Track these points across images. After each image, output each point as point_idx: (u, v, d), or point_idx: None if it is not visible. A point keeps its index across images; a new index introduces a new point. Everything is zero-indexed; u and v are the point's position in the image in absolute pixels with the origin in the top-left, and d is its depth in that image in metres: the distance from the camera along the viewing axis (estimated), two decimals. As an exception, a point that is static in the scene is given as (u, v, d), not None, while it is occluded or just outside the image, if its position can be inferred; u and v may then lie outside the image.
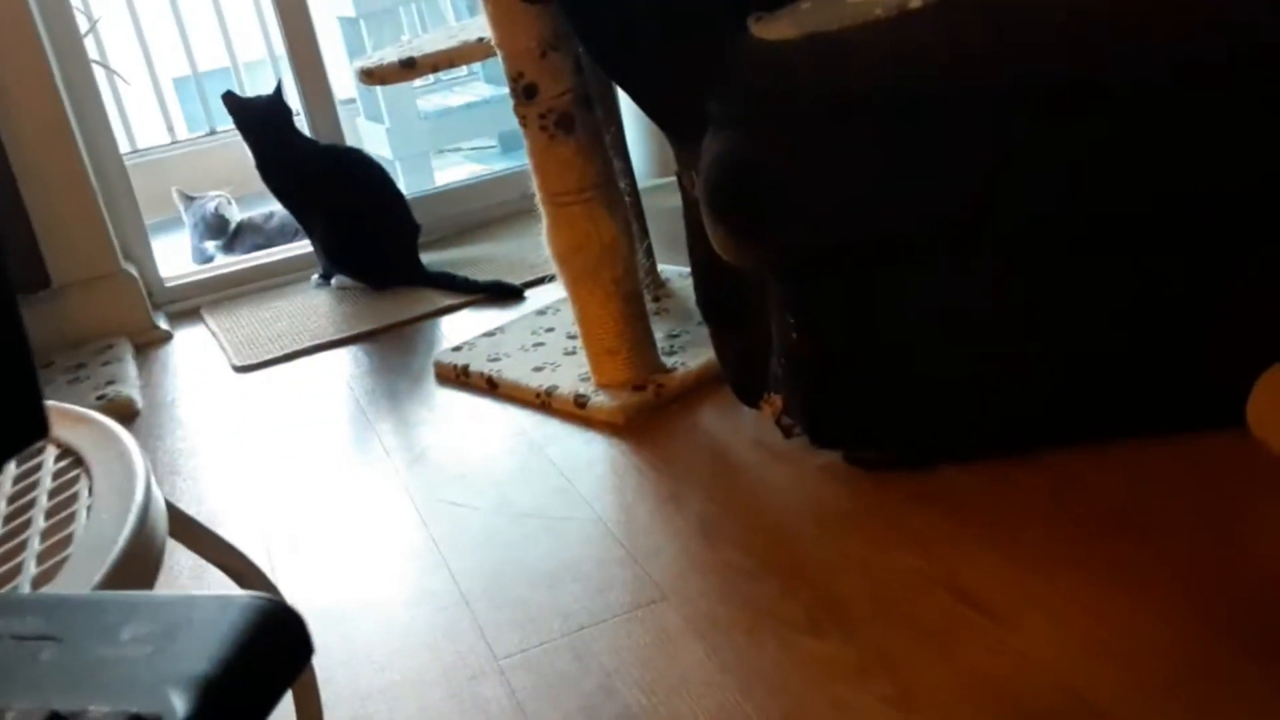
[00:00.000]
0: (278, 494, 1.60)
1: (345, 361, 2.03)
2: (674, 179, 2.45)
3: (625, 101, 2.02)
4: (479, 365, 1.81)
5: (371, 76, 1.80)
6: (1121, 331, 1.23)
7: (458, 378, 1.83)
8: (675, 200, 2.28)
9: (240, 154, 2.38)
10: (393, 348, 2.06)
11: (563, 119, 1.55)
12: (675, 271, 2.05)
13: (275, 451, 1.73)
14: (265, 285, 2.44)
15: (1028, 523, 1.19)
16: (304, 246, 2.49)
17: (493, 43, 1.55)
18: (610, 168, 1.62)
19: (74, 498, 0.48)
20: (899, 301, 1.26)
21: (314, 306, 2.28)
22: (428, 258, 2.34)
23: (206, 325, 2.30)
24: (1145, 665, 0.97)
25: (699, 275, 1.46)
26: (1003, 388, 1.28)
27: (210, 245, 2.81)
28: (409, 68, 1.77)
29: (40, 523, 0.47)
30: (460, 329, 2.06)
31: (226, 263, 2.62)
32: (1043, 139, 1.14)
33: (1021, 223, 1.20)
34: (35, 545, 0.46)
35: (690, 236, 1.42)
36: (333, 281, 2.35)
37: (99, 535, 0.45)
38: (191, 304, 2.41)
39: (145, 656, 0.32)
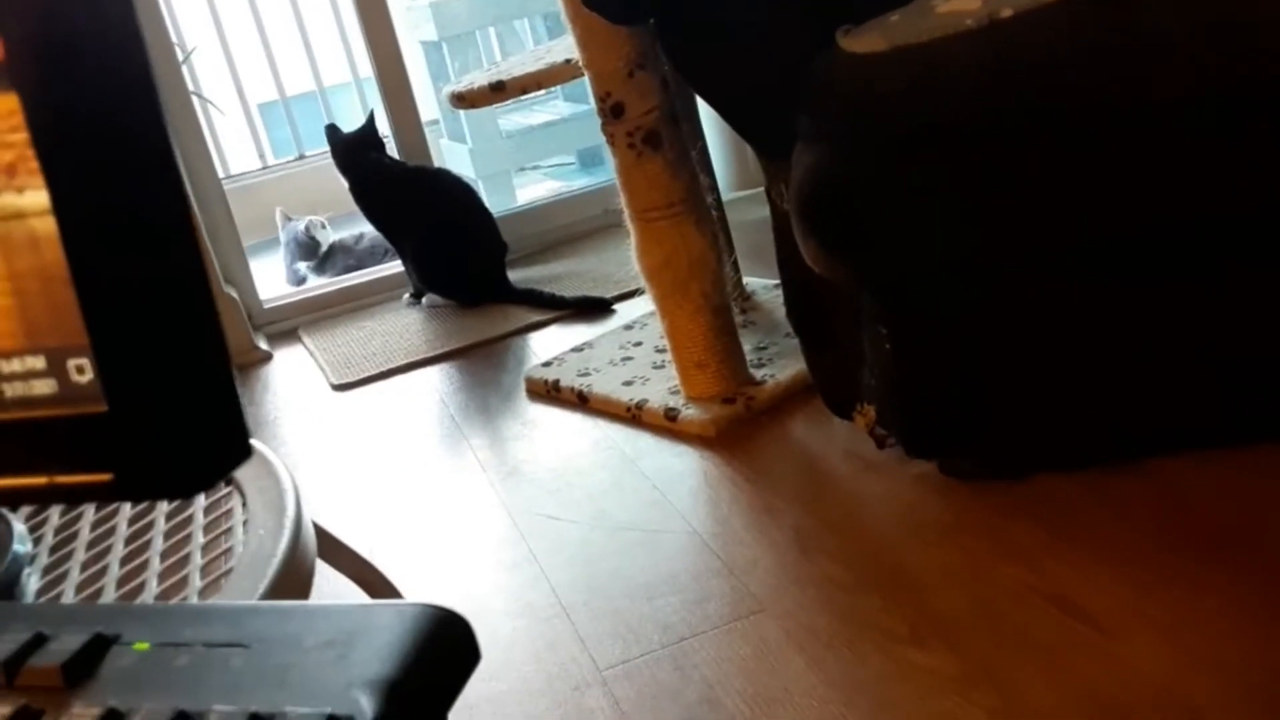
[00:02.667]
0: (379, 508, 1.64)
1: (438, 378, 2.08)
2: (756, 191, 2.47)
3: (706, 115, 2.04)
4: (569, 380, 1.83)
5: (463, 100, 1.84)
6: (1225, 340, 1.21)
7: (549, 393, 1.85)
8: (758, 212, 2.30)
9: (329, 177, 2.45)
10: (484, 364, 2.10)
11: (650, 136, 1.57)
12: (760, 284, 2.06)
13: (375, 467, 1.78)
14: (359, 305, 2.51)
15: (1133, 534, 1.18)
16: (394, 267, 2.56)
17: (580, 64, 1.58)
18: (697, 183, 1.63)
19: (229, 514, 0.51)
20: (993, 310, 1.25)
21: (406, 325, 2.33)
22: (514, 274, 2.38)
23: (304, 345, 2.36)
24: (1256, 681, 0.95)
25: (789, 288, 1.47)
26: (1103, 396, 1.26)
27: (303, 266, 2.89)
28: (499, 91, 1.81)
29: (199, 538, 0.50)
30: (549, 344, 2.09)
31: (322, 284, 2.69)
32: (1141, 150, 1.13)
33: (1121, 235, 1.19)
34: (198, 559, 0.49)
35: (780, 250, 1.43)
36: (423, 300, 2.40)
37: (258, 550, 0.47)
38: (289, 325, 2.48)
39: (330, 661, 0.35)
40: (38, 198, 0.28)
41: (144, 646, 0.37)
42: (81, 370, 0.29)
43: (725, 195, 2.21)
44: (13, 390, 0.30)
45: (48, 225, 0.28)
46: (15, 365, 0.30)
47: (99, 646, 0.36)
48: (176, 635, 0.37)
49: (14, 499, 0.30)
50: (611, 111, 1.57)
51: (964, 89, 1.14)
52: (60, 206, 0.27)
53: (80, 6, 0.26)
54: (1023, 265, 1.23)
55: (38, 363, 0.29)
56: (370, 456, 1.82)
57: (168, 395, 0.29)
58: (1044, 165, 1.15)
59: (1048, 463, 1.31)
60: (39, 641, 0.37)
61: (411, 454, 1.80)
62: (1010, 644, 1.06)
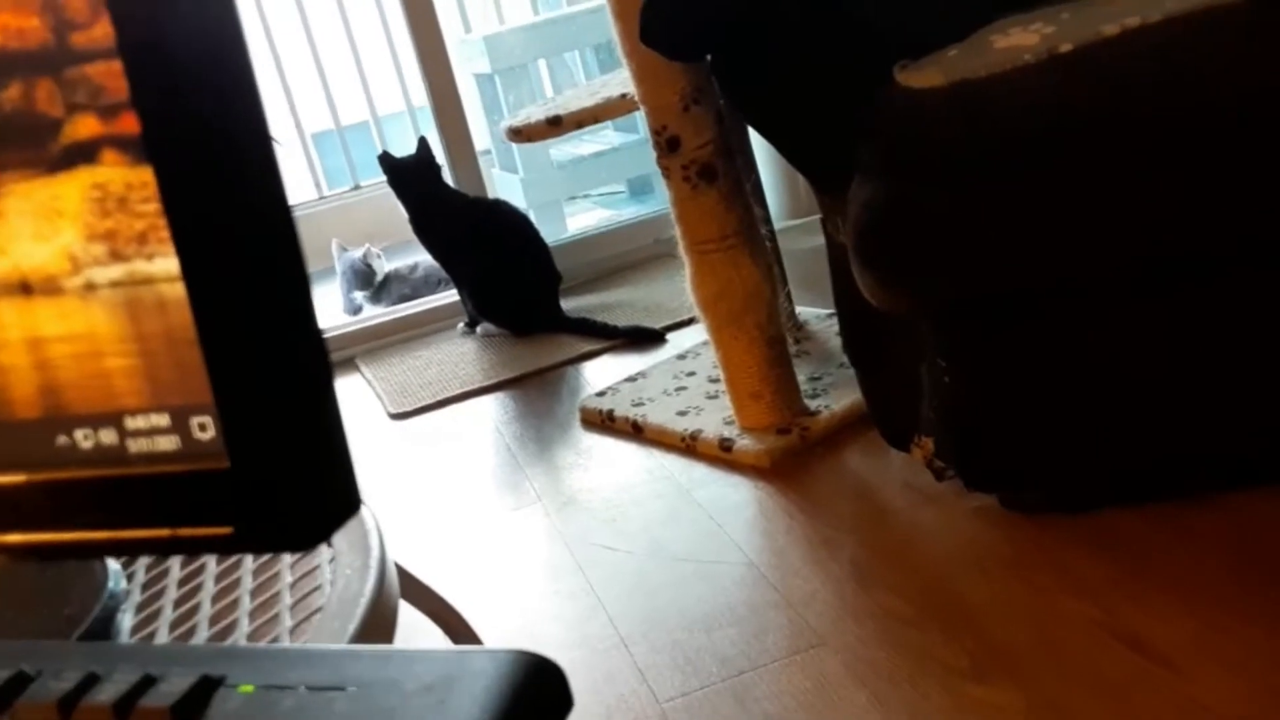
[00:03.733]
0: (437, 537, 1.66)
1: (493, 407, 2.10)
2: (807, 220, 2.47)
3: (756, 145, 2.05)
4: (624, 410, 1.84)
5: (520, 135, 1.87)
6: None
7: (603, 422, 1.87)
8: (809, 242, 2.30)
9: (384, 206, 2.49)
10: (538, 393, 2.11)
11: (705, 169, 1.59)
12: (813, 314, 2.06)
13: (433, 495, 1.80)
14: (415, 334, 2.54)
15: (1201, 568, 1.16)
16: (449, 296, 2.59)
17: (636, 98, 1.60)
18: (752, 214, 1.64)
19: (315, 552, 0.52)
20: (1053, 341, 1.25)
21: (461, 354, 2.36)
22: (566, 303, 2.40)
23: (361, 374, 2.40)
24: (1336, 719, 0.94)
25: (845, 320, 1.47)
26: (1168, 427, 1.25)
27: (359, 295, 2.93)
28: (555, 125, 1.84)
29: (288, 576, 0.52)
30: (602, 374, 2.10)
31: (378, 313, 2.73)
32: (1202, 177, 1.12)
33: (1184, 263, 1.18)
34: (287, 599, 0.50)
35: (835, 282, 1.44)
36: (478, 329, 2.43)
37: (345, 590, 0.48)
38: (347, 354, 2.52)
39: (430, 706, 0.35)
40: (167, 264, 0.29)
41: (249, 689, 0.38)
42: (204, 428, 0.30)
43: (776, 225, 2.22)
44: (137, 446, 0.31)
45: (176, 290, 0.29)
46: (140, 422, 0.31)
47: (206, 688, 0.38)
48: (280, 678, 0.38)
49: (137, 549, 0.32)
50: (667, 145, 1.58)
51: (1023, 124, 1.14)
52: (190, 273, 0.29)
53: (214, 82, 0.28)
54: (1084, 295, 1.22)
55: (162, 420, 0.31)
56: (428, 485, 1.84)
57: (287, 452, 0.30)
58: (1104, 197, 1.15)
59: (1112, 496, 1.29)
60: (148, 683, 0.38)
61: (468, 483, 1.82)
62: (1076, 680, 1.05)
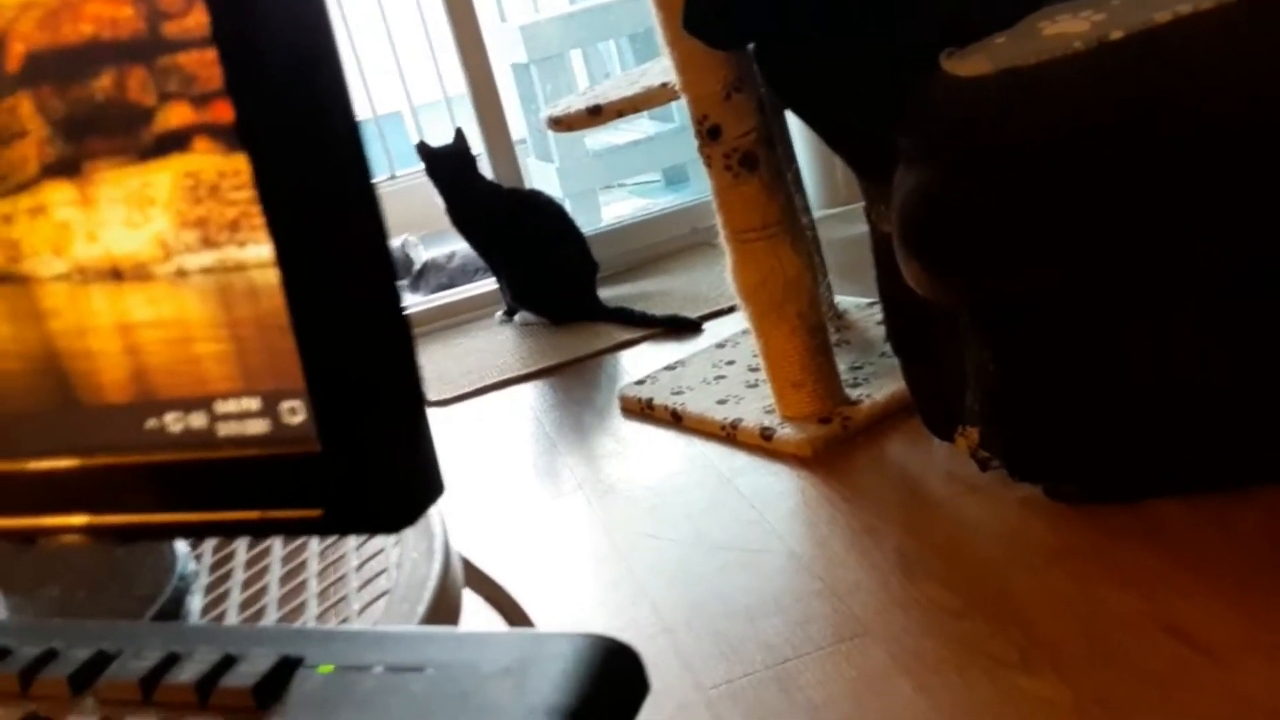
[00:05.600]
0: (480, 525, 1.67)
1: (532, 395, 2.10)
2: (845, 209, 2.46)
3: (795, 133, 2.04)
4: (663, 398, 1.84)
5: (560, 124, 1.87)
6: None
7: (642, 411, 1.87)
8: (848, 230, 2.29)
9: (420, 196, 2.50)
10: (577, 381, 2.12)
11: (746, 158, 1.58)
12: (852, 302, 2.05)
13: (474, 483, 1.81)
14: (453, 323, 2.56)
15: (1247, 560, 1.15)
16: (486, 285, 2.60)
17: (677, 87, 1.60)
18: (792, 203, 1.64)
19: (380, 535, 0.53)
20: (1099, 331, 1.24)
21: (500, 342, 2.37)
22: (604, 292, 2.41)
23: (399, 362, 2.41)
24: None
25: (889, 309, 1.46)
26: (1213, 419, 1.24)
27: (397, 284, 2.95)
28: (595, 114, 1.84)
29: (353, 560, 0.52)
30: (641, 362, 2.10)
31: (417, 302, 2.75)
32: (1254, 169, 1.11)
33: (1232, 254, 1.17)
34: (353, 581, 0.51)
35: (879, 271, 1.43)
36: (516, 317, 2.44)
37: (412, 573, 0.49)
38: (384, 342, 2.53)
39: (508, 689, 0.36)
40: (259, 251, 0.30)
41: (328, 669, 0.38)
42: (294, 412, 0.31)
43: (814, 213, 2.21)
44: (227, 430, 0.32)
45: (268, 276, 0.30)
46: (230, 406, 0.32)
47: (286, 668, 0.38)
48: (358, 658, 0.38)
49: (227, 531, 0.32)
50: (709, 134, 1.58)
51: (1074, 112, 1.13)
52: (284, 259, 0.29)
53: (305, 70, 0.28)
54: (1129, 285, 1.21)
55: (252, 404, 0.31)
56: (469, 472, 1.85)
57: (377, 435, 0.30)
58: (1154, 186, 1.14)
59: (1157, 487, 1.28)
60: (228, 663, 0.38)
61: (509, 470, 1.83)
62: (1123, 672, 1.05)
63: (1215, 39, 1.09)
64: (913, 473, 1.51)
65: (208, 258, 0.30)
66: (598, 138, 3.50)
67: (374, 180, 0.30)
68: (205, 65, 0.28)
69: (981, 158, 1.19)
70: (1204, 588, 1.12)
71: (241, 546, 0.56)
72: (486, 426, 2.02)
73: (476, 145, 2.51)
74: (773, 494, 1.53)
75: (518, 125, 3.36)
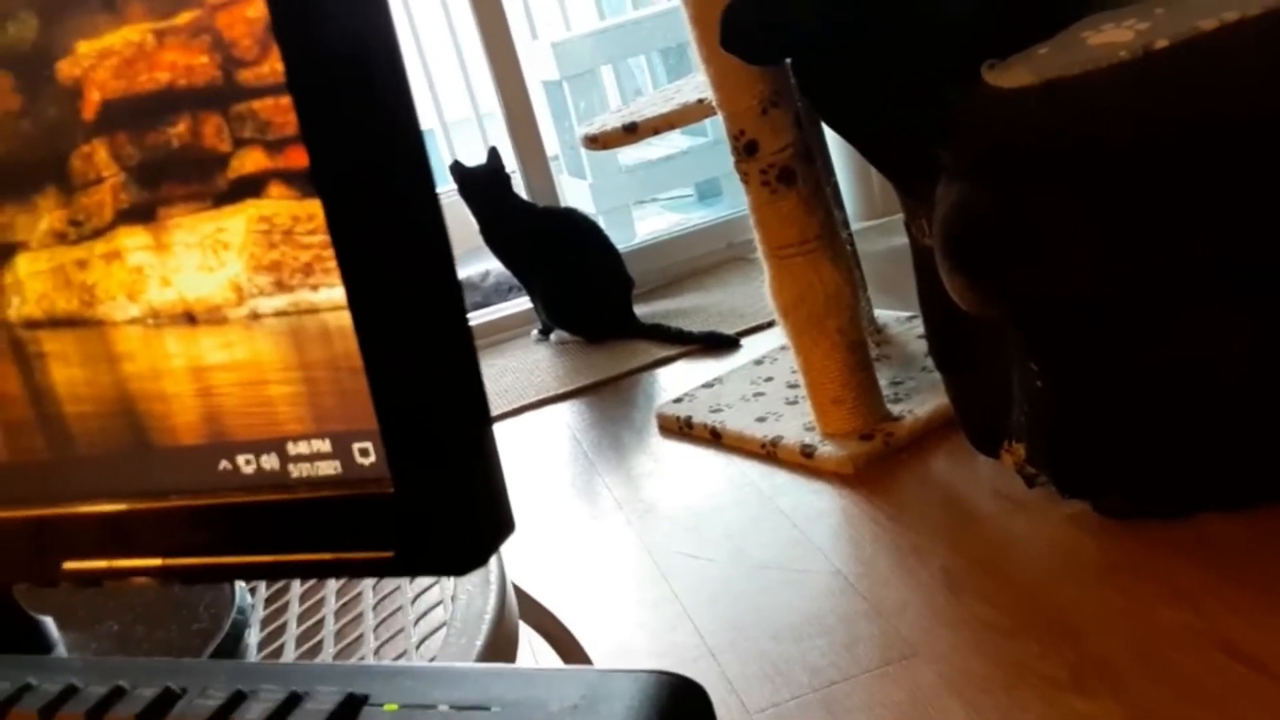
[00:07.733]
0: (518, 546, 1.67)
1: (569, 414, 2.10)
2: (883, 221, 2.45)
3: (832, 146, 2.04)
4: (701, 416, 1.84)
5: (595, 142, 1.88)
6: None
7: (681, 429, 1.86)
8: (886, 243, 2.28)
9: (455, 215, 2.51)
10: (614, 400, 2.12)
11: (784, 173, 1.58)
12: (892, 316, 2.04)
13: (513, 505, 1.81)
14: (488, 342, 2.56)
15: (1306, 577, 1.13)
16: (520, 304, 2.61)
17: (714, 103, 1.60)
18: (831, 218, 1.63)
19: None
20: (1150, 345, 1.22)
21: (535, 361, 2.37)
22: (639, 309, 2.41)
23: (437, 381, 2.42)
24: None
25: (931, 323, 1.45)
26: (1264, 432, 1.22)
27: (432, 304, 2.96)
28: (631, 132, 1.84)
29: (408, 592, 0.52)
30: (678, 380, 2.10)
31: (450, 320, 2.75)
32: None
33: (1285, 261, 1.15)
34: (409, 614, 0.51)
35: (920, 285, 1.42)
36: (551, 336, 2.44)
37: (468, 607, 0.49)
38: (421, 361, 2.54)
39: (578, 727, 0.35)
40: (332, 294, 0.30)
41: (394, 708, 0.38)
42: (365, 453, 0.31)
43: (853, 226, 2.20)
44: (299, 471, 0.32)
45: (340, 319, 0.30)
46: (302, 448, 0.32)
47: (352, 707, 0.38)
48: (423, 696, 0.38)
49: (299, 573, 0.32)
50: (745, 149, 1.58)
51: (1119, 123, 1.12)
52: (357, 303, 0.29)
53: (379, 118, 0.28)
54: (1177, 296, 1.20)
55: (323, 446, 0.31)
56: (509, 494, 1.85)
57: (448, 477, 0.30)
58: (1202, 199, 1.12)
59: (1207, 501, 1.26)
60: (294, 701, 0.38)
61: (548, 491, 1.83)
62: (1176, 690, 1.03)
63: (1263, 46, 1.08)
64: (957, 489, 1.49)
65: (281, 301, 0.30)
66: (630, 153, 3.50)
67: (445, 223, 0.30)
68: (280, 111, 0.29)
69: (1025, 170, 1.18)
70: (1257, 603, 1.10)
71: (296, 581, 0.56)
72: (524, 447, 2.02)
73: (510, 163, 2.52)
74: (815, 512, 1.52)
75: (550, 142, 3.38)
